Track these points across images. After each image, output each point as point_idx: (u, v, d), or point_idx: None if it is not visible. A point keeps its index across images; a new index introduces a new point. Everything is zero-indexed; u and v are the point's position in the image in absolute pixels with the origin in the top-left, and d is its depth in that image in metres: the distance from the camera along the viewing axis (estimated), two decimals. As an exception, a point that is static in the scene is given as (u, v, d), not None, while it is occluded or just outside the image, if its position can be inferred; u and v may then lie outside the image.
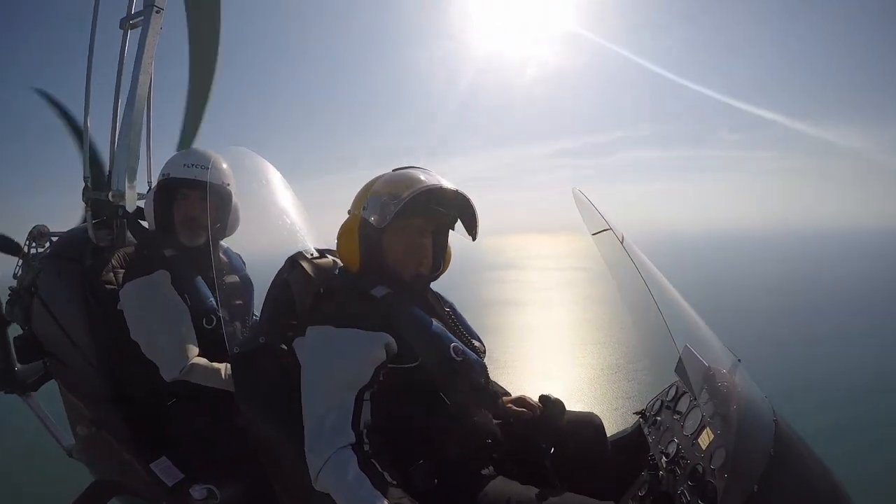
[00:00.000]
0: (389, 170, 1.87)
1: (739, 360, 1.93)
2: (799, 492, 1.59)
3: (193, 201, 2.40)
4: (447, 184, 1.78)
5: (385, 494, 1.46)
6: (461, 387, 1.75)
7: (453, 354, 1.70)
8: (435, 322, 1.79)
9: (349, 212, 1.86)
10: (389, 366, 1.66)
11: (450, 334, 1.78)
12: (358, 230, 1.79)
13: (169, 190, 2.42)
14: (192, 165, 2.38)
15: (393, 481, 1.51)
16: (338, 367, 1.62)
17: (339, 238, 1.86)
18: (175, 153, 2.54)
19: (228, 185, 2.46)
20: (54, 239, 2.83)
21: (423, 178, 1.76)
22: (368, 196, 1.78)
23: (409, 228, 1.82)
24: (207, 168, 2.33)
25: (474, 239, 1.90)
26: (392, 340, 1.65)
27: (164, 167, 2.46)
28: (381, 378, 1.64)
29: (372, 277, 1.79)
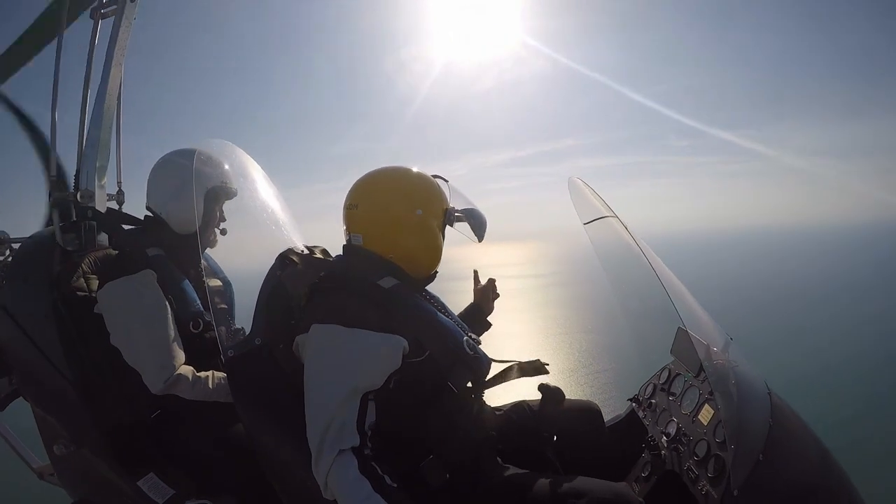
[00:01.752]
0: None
1: (731, 339, 2.03)
2: (797, 457, 1.71)
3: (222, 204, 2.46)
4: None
5: (385, 497, 1.45)
6: (470, 380, 1.74)
7: (468, 349, 1.70)
8: (443, 315, 1.78)
9: (389, 210, 1.78)
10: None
11: (459, 329, 1.77)
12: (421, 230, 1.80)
13: (218, 196, 2.39)
14: (226, 173, 2.39)
15: (393, 483, 1.49)
16: (348, 375, 1.56)
17: (409, 237, 1.79)
18: (178, 158, 2.37)
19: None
20: (16, 246, 2.59)
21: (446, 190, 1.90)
22: (418, 199, 1.79)
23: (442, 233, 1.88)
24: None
25: (480, 240, 1.93)
26: (406, 343, 1.61)
27: (204, 177, 2.33)
28: (392, 385, 1.61)
29: (383, 269, 1.75)
